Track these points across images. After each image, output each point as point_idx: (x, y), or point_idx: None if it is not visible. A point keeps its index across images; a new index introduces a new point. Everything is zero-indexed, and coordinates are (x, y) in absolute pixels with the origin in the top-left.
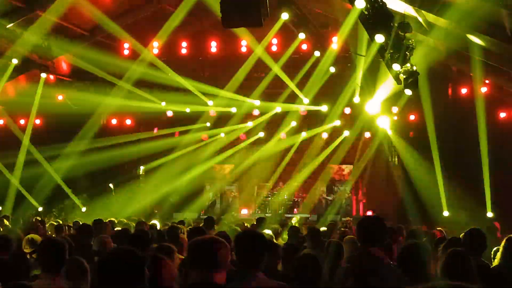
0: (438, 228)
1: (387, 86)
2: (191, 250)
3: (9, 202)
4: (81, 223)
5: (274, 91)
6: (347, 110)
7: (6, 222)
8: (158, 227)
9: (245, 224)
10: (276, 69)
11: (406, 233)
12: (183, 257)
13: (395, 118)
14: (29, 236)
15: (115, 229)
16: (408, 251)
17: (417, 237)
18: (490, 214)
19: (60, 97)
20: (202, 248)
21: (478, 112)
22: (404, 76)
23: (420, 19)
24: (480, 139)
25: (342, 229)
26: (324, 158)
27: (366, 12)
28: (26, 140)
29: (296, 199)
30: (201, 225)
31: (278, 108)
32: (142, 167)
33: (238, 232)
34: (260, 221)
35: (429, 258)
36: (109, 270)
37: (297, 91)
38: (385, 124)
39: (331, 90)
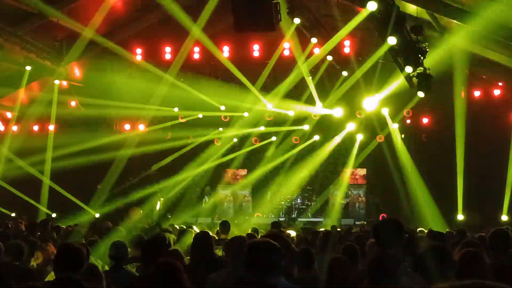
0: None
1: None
2: (249, 252)
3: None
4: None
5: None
6: (361, 114)
7: (22, 227)
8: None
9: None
10: (295, 73)
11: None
12: None
13: (408, 121)
14: None
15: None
16: (428, 253)
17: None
18: (505, 218)
19: (73, 103)
20: (260, 250)
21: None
22: (417, 79)
23: (433, 23)
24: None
25: (359, 233)
26: (337, 162)
27: (378, 15)
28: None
29: (309, 203)
30: (216, 229)
31: (291, 112)
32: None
33: (263, 235)
34: (275, 224)
35: (448, 260)
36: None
37: (313, 95)
38: (397, 127)
39: (344, 94)
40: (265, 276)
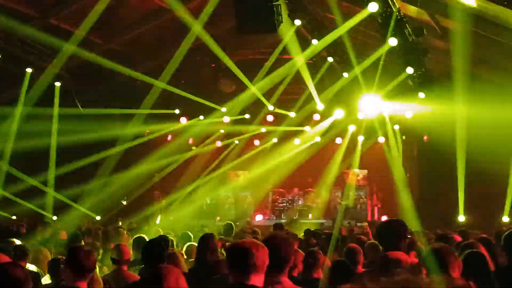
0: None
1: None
2: (229, 253)
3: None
4: None
5: (286, 97)
6: (361, 115)
7: (23, 230)
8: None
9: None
10: (295, 74)
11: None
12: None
13: (409, 122)
14: None
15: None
16: (432, 254)
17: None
18: (506, 219)
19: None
20: (239, 251)
21: None
22: (418, 80)
23: (434, 24)
24: None
25: (361, 236)
26: (339, 163)
27: (379, 16)
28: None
29: (310, 205)
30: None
31: (292, 113)
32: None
33: (267, 235)
34: (277, 226)
35: (453, 260)
36: None
37: (313, 96)
38: (398, 128)
39: (345, 95)
40: (240, 276)
